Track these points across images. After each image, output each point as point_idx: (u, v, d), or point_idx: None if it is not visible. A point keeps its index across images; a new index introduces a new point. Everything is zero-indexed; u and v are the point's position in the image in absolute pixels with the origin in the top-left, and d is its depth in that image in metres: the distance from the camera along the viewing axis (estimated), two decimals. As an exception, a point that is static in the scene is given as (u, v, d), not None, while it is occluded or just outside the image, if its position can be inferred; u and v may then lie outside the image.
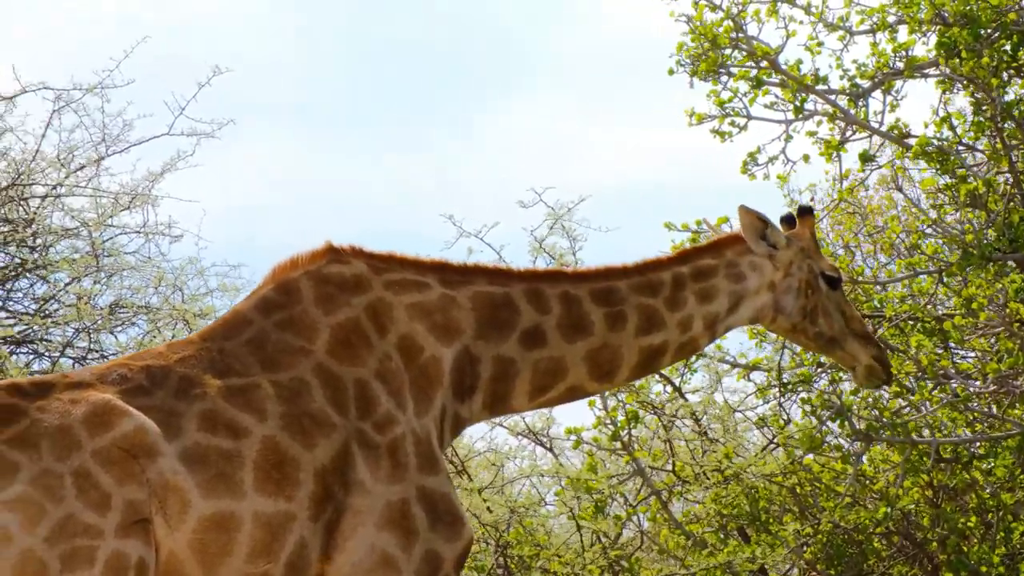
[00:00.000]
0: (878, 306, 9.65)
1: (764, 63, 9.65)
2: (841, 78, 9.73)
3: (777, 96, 9.80)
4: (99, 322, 11.91)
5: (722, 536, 10.40)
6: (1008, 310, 8.98)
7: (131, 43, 12.19)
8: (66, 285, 12.31)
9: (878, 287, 9.89)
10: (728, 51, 9.64)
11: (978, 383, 9.39)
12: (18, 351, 12.09)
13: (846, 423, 9.27)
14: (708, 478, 10.38)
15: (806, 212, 6.25)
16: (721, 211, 8.62)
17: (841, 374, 9.58)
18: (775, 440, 10.53)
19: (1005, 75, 9.24)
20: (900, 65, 9.55)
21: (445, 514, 5.16)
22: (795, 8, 9.69)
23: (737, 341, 21.03)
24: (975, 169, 9.47)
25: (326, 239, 5.49)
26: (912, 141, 9.42)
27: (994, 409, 9.53)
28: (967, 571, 9.71)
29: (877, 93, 9.73)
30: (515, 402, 5.71)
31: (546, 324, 5.68)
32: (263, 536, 4.82)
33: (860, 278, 9.77)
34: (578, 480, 10.15)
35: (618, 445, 10.18)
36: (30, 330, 12.04)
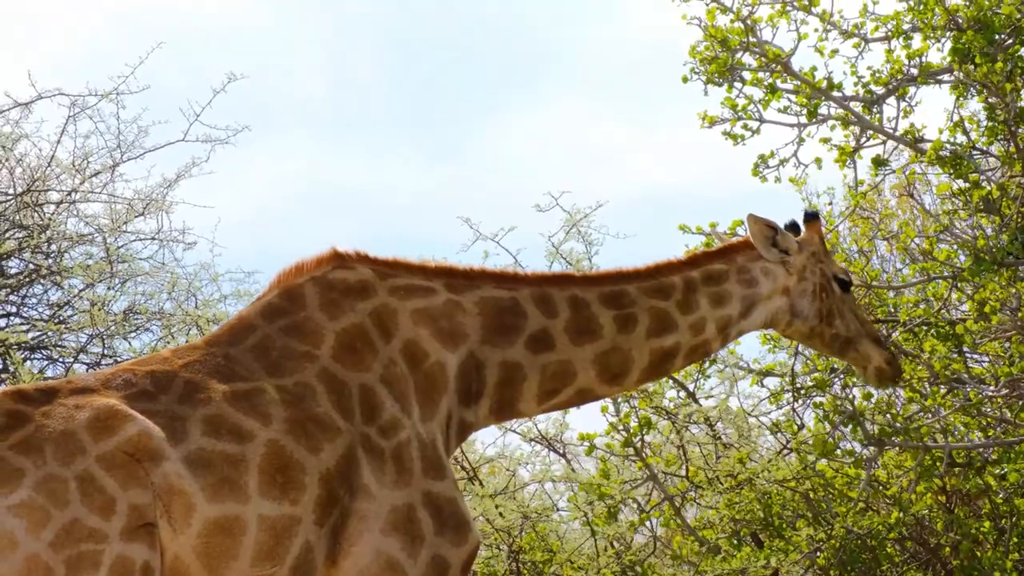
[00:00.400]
0: (892, 311, 9.62)
1: (776, 67, 9.63)
2: (856, 85, 9.72)
3: (790, 100, 9.79)
4: (113, 328, 11.93)
5: (735, 542, 10.38)
6: (1021, 314, 8.95)
7: (146, 49, 12.28)
8: (80, 291, 12.33)
9: (892, 292, 9.86)
10: (740, 54, 9.63)
11: (991, 388, 9.35)
12: (32, 357, 12.13)
13: (859, 428, 9.25)
14: (721, 483, 10.36)
15: (812, 218, 6.30)
16: (741, 215, 8.60)
17: (853, 379, 9.54)
18: (788, 445, 10.52)
19: (1019, 80, 9.21)
20: (914, 72, 9.53)
21: (451, 518, 5.16)
22: (811, 16, 9.67)
23: (750, 346, 21.00)
24: (989, 174, 9.44)
25: (331, 245, 5.51)
26: (926, 146, 9.40)
27: (1007, 414, 9.49)
28: (980, 576, 9.68)
29: (891, 99, 9.71)
30: (523, 407, 5.71)
31: (554, 328, 5.68)
32: (268, 540, 4.82)
33: (874, 283, 9.74)
34: (591, 485, 10.15)
35: (631, 451, 10.17)
36: (44, 336, 12.08)
